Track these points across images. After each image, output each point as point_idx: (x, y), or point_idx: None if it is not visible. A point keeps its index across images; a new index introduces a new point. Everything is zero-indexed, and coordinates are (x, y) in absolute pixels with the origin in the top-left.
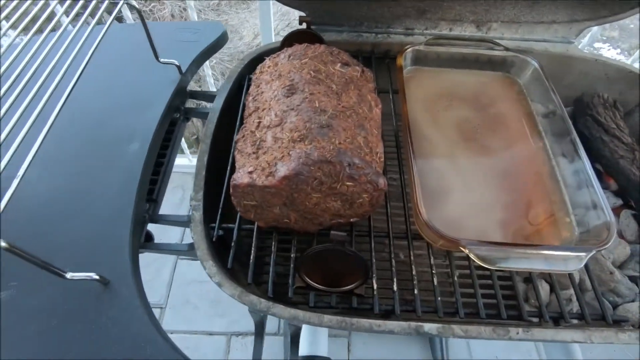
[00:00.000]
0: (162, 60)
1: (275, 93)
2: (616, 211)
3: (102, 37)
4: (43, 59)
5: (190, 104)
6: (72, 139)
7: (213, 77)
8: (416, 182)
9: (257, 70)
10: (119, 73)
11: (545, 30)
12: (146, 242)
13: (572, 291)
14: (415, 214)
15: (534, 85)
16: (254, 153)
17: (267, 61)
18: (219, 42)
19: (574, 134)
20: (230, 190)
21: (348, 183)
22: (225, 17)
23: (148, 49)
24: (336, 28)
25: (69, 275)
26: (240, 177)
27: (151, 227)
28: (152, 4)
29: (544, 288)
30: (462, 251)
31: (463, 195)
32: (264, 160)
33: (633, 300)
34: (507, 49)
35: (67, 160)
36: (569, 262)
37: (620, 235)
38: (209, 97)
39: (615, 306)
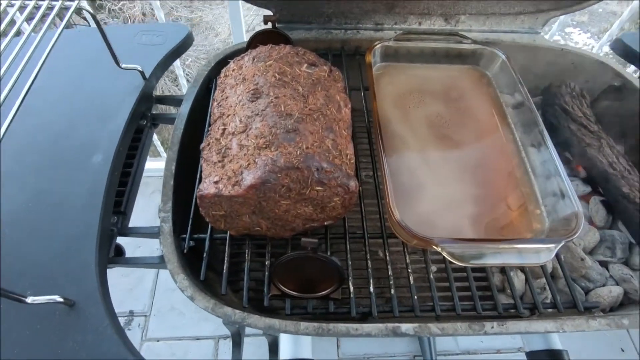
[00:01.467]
0: (123, 66)
1: (240, 98)
2: (585, 198)
3: (54, 43)
4: None
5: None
6: (31, 153)
7: (189, 76)
8: (388, 182)
9: (222, 74)
10: (80, 81)
11: (512, 22)
12: (116, 256)
13: (545, 280)
14: (388, 214)
15: (502, 76)
16: (219, 162)
17: (232, 64)
18: (184, 44)
19: (542, 125)
20: (197, 201)
21: (317, 188)
22: (199, 13)
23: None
24: (305, 26)
25: (29, 299)
26: (206, 187)
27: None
28: (122, 2)
29: (519, 277)
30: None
31: (436, 191)
32: (229, 169)
33: (604, 285)
34: (474, 42)
35: (27, 176)
36: (540, 254)
37: (590, 221)
38: (178, 101)
39: (587, 291)
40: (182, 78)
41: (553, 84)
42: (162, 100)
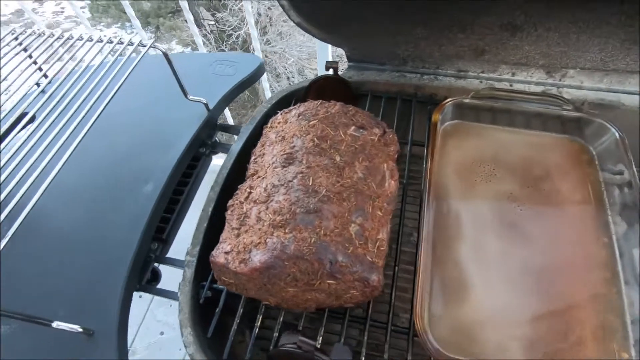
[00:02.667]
0: (190, 97)
1: (274, 159)
2: None
3: (126, 77)
4: (74, 95)
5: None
6: (90, 177)
7: (292, 74)
8: (423, 278)
9: (269, 124)
10: (149, 108)
11: None
12: (152, 281)
13: None
14: (414, 317)
15: (610, 157)
16: (236, 228)
17: (279, 116)
18: (254, 76)
19: None
20: (210, 264)
21: (329, 281)
22: None
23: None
24: (377, 66)
25: (55, 324)
26: (217, 255)
27: None
28: (241, 3)
29: None
30: None
31: (485, 295)
32: (242, 241)
33: None
34: (577, 110)
35: (80, 198)
36: None
37: None
38: (239, 131)
39: None
40: (267, 90)
41: None
42: (226, 128)
